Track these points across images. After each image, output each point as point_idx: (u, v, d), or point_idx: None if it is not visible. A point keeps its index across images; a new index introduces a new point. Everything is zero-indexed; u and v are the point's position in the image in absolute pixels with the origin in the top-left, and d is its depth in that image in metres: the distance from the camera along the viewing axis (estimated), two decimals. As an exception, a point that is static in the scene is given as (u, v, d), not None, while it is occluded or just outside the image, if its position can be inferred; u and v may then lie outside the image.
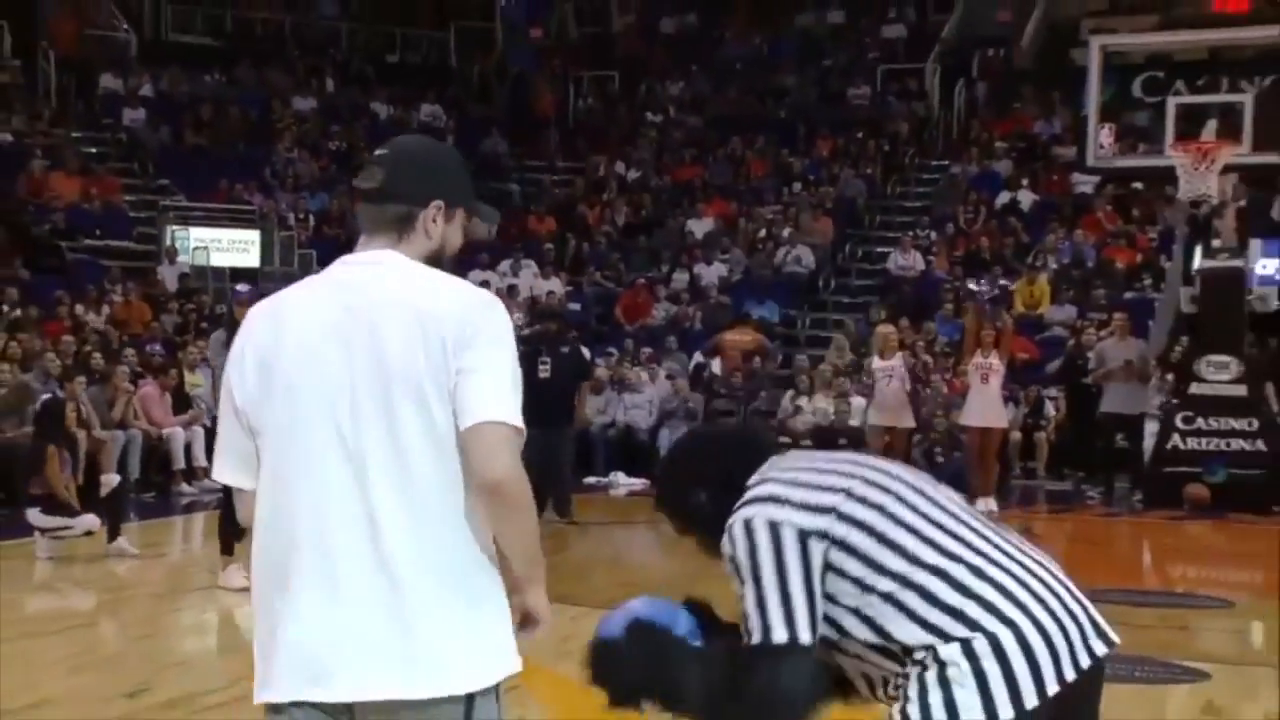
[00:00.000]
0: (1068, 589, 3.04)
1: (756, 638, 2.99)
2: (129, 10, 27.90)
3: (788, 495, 3.07)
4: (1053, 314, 20.18)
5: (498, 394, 2.68)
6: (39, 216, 21.57)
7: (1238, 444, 15.48)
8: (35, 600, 9.99)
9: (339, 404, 2.69)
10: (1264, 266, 19.49)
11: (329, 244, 23.88)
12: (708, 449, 3.38)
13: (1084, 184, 22.68)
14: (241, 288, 11.78)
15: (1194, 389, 15.82)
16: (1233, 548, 13.68)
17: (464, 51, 30.21)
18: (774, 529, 3.02)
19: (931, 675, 2.90)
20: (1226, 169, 16.38)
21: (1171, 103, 17.28)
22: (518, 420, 2.69)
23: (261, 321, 2.83)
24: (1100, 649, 2.98)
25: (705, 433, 3.41)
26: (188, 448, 15.83)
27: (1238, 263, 16.50)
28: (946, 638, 2.90)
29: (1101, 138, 17.31)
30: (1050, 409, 17.96)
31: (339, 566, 2.67)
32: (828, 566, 3.01)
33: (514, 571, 2.82)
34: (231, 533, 9.64)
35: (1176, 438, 15.70)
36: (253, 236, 23.03)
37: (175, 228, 22.54)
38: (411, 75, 29.28)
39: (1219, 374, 15.70)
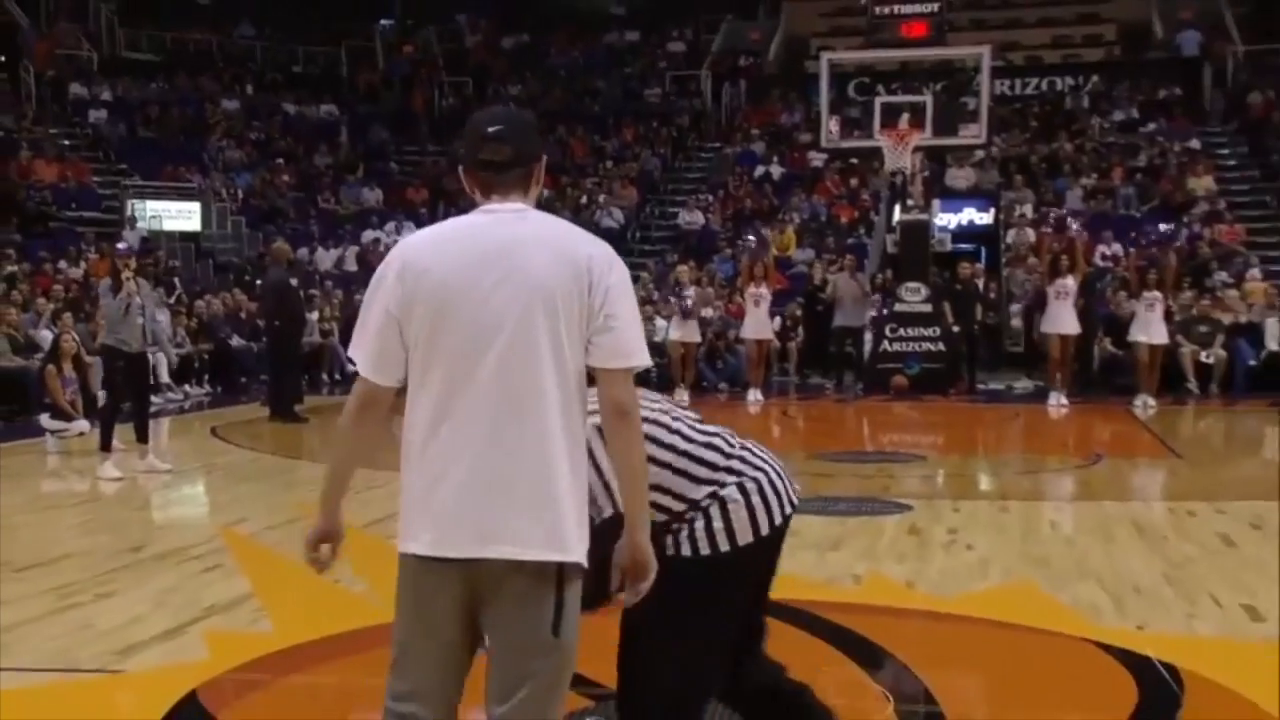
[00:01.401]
0: (770, 455, 3.17)
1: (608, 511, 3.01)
2: (90, 34, 26.94)
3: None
4: (798, 256, 20.48)
5: (636, 340, 2.51)
6: (28, 194, 20.98)
7: (926, 346, 15.99)
8: (49, 483, 9.82)
9: (489, 316, 2.44)
10: (942, 219, 20.18)
11: (254, 211, 23.41)
12: None
13: (817, 160, 22.94)
14: (121, 245, 11.02)
15: (897, 307, 16.29)
16: (924, 419, 14.10)
17: (353, 63, 29.49)
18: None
19: (715, 509, 2.97)
20: (916, 149, 16.80)
21: (877, 101, 17.64)
22: (646, 358, 2.53)
23: (421, 250, 2.52)
24: (797, 486, 3.14)
25: None
26: (154, 369, 15.43)
27: (924, 216, 17.00)
28: (723, 485, 2.99)
29: (830, 126, 17.58)
30: (802, 329, 18.25)
31: (486, 447, 2.42)
32: None
33: (624, 500, 2.57)
34: (110, 428, 9.44)
35: (885, 343, 16.16)
36: (195, 207, 22.67)
37: (134, 201, 22.00)
38: (312, 82, 28.52)
39: (913, 296, 16.21)
